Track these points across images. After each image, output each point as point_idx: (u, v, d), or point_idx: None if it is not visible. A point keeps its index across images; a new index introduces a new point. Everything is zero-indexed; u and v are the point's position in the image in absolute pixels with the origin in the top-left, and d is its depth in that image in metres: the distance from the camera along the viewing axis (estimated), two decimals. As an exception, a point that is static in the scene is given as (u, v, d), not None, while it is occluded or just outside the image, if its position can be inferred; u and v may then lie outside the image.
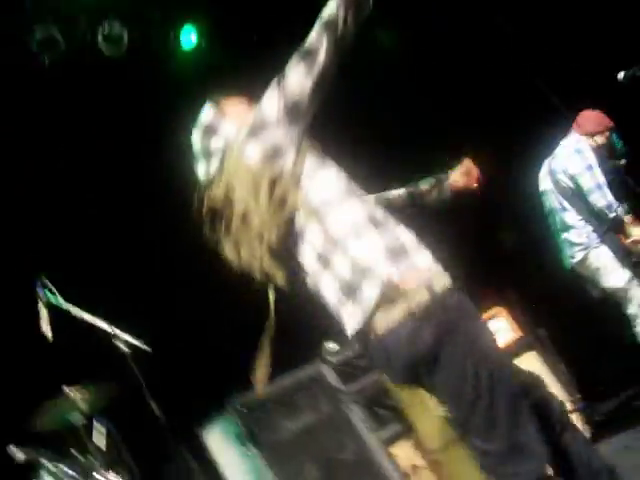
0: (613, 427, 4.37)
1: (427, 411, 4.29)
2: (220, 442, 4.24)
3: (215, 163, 2.18)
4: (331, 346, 4.84)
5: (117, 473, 3.60)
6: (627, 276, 4.18)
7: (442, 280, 1.99)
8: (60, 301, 3.57)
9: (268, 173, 2.01)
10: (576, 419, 3.97)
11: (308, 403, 4.45)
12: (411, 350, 1.91)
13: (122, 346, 3.54)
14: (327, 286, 2.05)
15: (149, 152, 5.03)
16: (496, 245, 6.33)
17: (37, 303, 3.55)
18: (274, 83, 2.08)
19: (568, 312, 5.52)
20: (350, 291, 1.98)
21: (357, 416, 4.50)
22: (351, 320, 2.02)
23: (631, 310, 4.20)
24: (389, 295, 1.91)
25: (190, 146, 2.31)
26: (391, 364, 2.00)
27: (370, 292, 1.94)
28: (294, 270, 2.09)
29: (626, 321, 4.29)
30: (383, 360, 2.01)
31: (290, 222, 2.02)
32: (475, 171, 2.51)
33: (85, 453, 3.66)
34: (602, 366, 4.97)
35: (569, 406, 4.00)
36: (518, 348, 4.15)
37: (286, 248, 2.05)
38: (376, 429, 4.52)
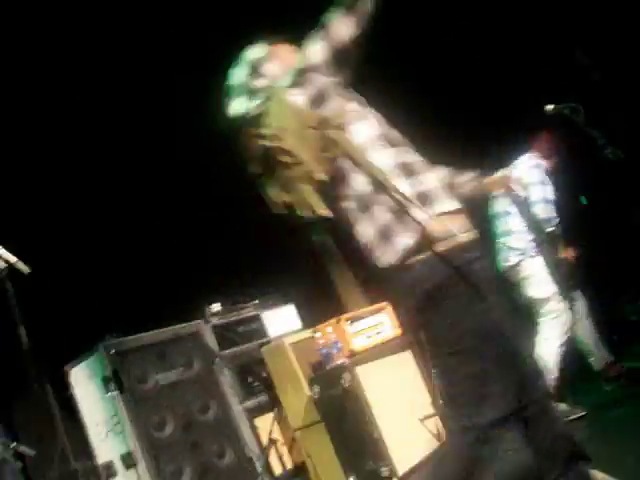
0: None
1: (296, 389, 4.34)
2: (84, 380, 4.16)
3: (257, 103, 2.29)
4: (215, 307, 4.81)
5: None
6: (552, 290, 4.39)
7: (469, 233, 2.20)
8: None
9: (315, 117, 2.14)
10: (436, 424, 4.09)
11: (181, 359, 4.43)
12: (426, 284, 2.11)
13: (-1, 262, 3.35)
14: (365, 227, 2.20)
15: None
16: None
17: None
18: (316, 35, 2.17)
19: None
20: (386, 235, 2.15)
21: (227, 381, 4.51)
22: (383, 257, 2.17)
23: (543, 321, 4.42)
24: (420, 241, 2.10)
25: (227, 78, 2.38)
26: (409, 294, 2.17)
27: (404, 239, 2.12)
28: (336, 208, 2.23)
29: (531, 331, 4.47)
30: (402, 290, 2.20)
31: (336, 162, 2.17)
32: (507, 184, 2.94)
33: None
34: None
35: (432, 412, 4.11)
36: (394, 346, 4.22)
37: (332, 186, 2.19)
38: (243, 397, 4.55)
